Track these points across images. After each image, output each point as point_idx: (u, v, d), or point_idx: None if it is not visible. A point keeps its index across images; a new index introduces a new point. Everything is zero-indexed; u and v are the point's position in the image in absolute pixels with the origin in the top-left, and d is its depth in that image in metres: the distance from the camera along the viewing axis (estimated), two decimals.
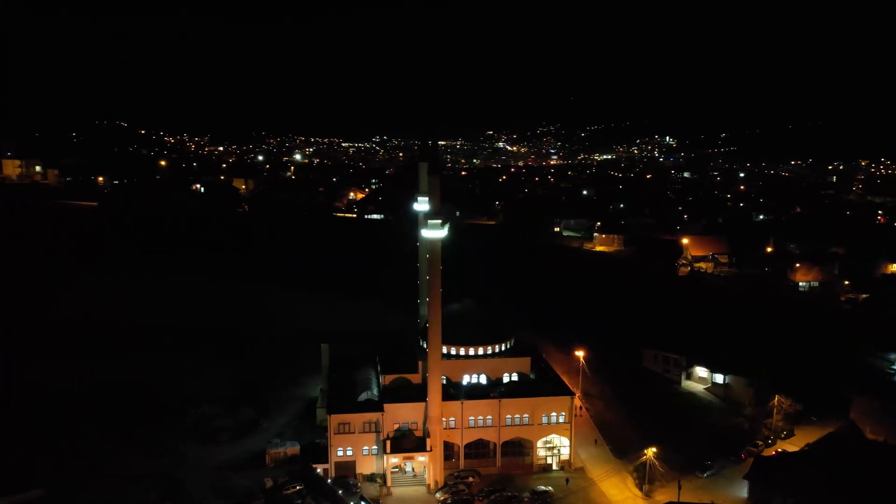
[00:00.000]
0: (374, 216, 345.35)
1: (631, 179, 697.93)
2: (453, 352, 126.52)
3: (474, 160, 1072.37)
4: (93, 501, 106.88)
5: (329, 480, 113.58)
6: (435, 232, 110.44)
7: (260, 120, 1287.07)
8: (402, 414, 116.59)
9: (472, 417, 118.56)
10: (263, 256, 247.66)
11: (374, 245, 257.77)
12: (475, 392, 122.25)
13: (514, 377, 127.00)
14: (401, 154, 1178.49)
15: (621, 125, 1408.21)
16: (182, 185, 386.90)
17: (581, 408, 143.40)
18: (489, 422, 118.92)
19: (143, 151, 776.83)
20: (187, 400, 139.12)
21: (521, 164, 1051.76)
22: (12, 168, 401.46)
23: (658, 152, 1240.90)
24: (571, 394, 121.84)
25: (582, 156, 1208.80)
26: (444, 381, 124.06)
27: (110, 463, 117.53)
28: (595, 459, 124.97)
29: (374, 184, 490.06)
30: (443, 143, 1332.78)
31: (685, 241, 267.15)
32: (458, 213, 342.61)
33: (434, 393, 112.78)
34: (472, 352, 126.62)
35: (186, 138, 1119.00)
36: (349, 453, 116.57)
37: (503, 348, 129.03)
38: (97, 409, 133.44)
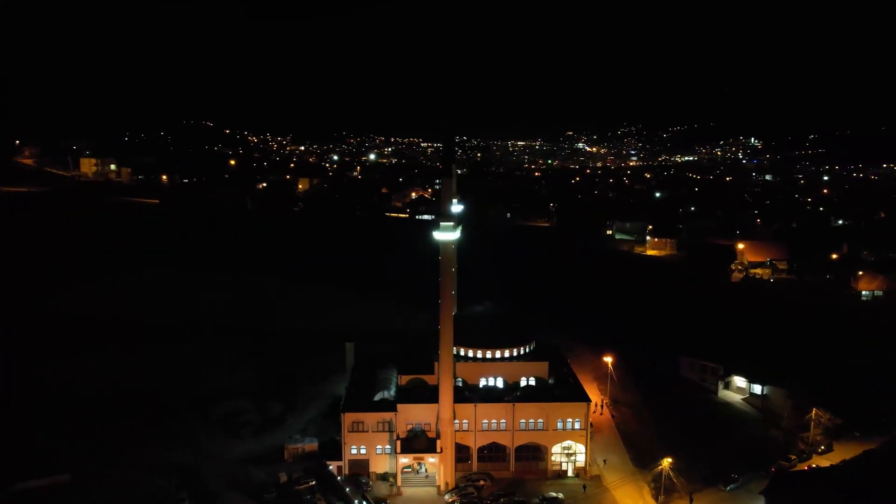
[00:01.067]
0: (426, 216, 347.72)
1: (709, 182, 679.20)
2: (470, 354, 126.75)
3: (549, 161, 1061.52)
4: (115, 487, 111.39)
5: (340, 478, 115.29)
6: (447, 234, 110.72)
7: (341, 120, 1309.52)
8: (414, 414, 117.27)
9: (485, 420, 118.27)
10: (301, 254, 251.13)
11: (414, 244, 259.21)
12: (490, 395, 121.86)
13: (532, 381, 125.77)
14: (478, 154, 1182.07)
15: (705, 126, 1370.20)
16: (248, 183, 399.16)
17: (602, 406, 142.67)
18: (503, 425, 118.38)
19: (227, 150, 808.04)
20: (218, 394, 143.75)
21: (599, 165, 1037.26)
22: (89, 166, 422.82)
23: (742, 154, 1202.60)
24: (587, 400, 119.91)
25: (663, 157, 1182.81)
26: (461, 384, 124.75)
27: (138, 452, 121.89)
28: (613, 468, 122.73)
29: (439, 184, 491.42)
30: (521, 143, 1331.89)
31: (740, 246, 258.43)
32: (508, 215, 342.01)
33: (445, 394, 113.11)
34: (489, 354, 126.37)
35: (269, 137, 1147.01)
36: (363, 452, 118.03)
37: (522, 352, 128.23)
38: (131, 401, 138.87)
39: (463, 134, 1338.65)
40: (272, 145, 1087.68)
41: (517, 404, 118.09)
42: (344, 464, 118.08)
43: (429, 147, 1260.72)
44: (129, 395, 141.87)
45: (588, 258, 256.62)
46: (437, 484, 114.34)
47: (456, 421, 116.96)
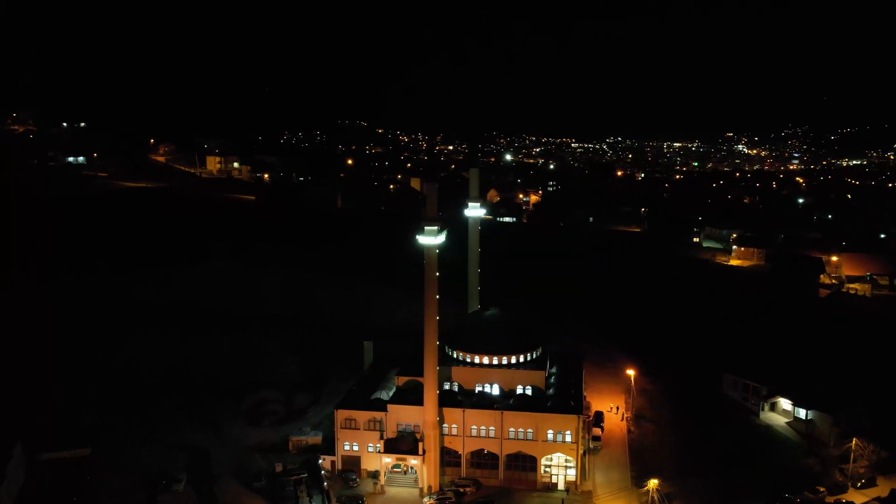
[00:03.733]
0: (507, 219, 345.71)
1: (868, 188, 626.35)
2: (468, 359, 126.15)
3: (695, 164, 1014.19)
4: (128, 462, 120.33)
5: (325, 472, 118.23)
6: (431, 238, 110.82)
7: (494, 120, 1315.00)
8: (404, 415, 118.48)
9: (474, 426, 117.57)
10: (367, 252, 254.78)
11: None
12: (483, 402, 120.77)
13: (528, 390, 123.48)
14: (629, 155, 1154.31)
15: (878, 127, 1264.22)
16: (355, 183, 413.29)
17: (617, 408, 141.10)
18: (491, 433, 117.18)
19: (378, 150, 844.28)
20: (256, 383, 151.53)
21: (755, 168, 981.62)
22: (213, 164, 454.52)
23: None
24: (579, 413, 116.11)
25: (827, 161, 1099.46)
26: (456, 388, 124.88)
27: (164, 432, 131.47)
28: (609, 484, 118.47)
29: (552, 186, 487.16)
30: (678, 144, 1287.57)
31: (834, 258, 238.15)
32: (591, 220, 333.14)
33: (429, 398, 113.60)
34: (486, 360, 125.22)
35: (419, 137, 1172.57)
36: (355, 448, 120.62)
37: (523, 359, 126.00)
38: (177, 384, 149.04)
39: (618, 135, 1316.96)
40: (422, 144, 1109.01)
41: (505, 412, 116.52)
42: (337, 459, 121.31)
43: (579, 147, 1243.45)
44: (178, 377, 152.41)
45: (658, 266, 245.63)
46: (420, 486, 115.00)
47: (445, 425, 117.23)
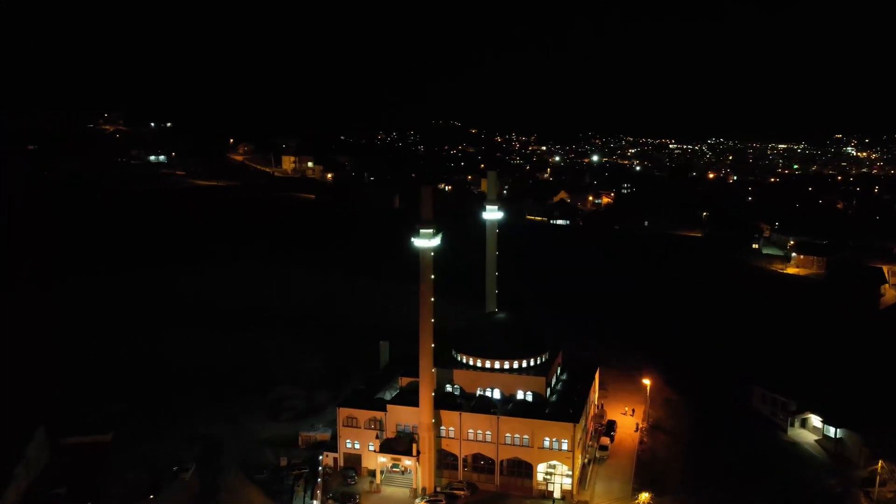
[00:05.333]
0: (560, 221, 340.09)
1: None
2: (470, 362, 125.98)
3: (795, 166, 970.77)
4: (145, 449, 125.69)
5: (321, 468, 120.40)
6: (426, 241, 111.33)
7: (591, 120, 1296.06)
8: (403, 416, 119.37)
9: (470, 430, 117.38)
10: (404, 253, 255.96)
11: (524, 246, 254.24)
12: (482, 406, 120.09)
13: (529, 396, 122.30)
14: (730, 157, 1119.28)
15: None
16: (423, 184, 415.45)
17: (633, 411, 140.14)
18: (488, 437, 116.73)
19: (470, 150, 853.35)
20: (276, 380, 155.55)
21: (863, 171, 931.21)
22: (288, 164, 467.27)
23: None
24: (575, 421, 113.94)
25: None
26: (458, 391, 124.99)
27: (185, 424, 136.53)
28: (608, 494, 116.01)
29: (626, 188, 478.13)
30: (782, 146, 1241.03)
31: None
32: (646, 223, 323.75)
33: (424, 400, 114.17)
34: (487, 364, 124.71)
35: (513, 137, 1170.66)
36: (356, 447, 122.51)
37: (526, 364, 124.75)
38: (203, 379, 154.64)
39: (720, 136, 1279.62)
40: (515, 144, 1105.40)
41: (501, 417, 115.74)
42: (339, 456, 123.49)
43: (677, 149, 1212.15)
44: (207, 371, 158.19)
45: (705, 273, 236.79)
46: (413, 486, 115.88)
47: (442, 427, 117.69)
